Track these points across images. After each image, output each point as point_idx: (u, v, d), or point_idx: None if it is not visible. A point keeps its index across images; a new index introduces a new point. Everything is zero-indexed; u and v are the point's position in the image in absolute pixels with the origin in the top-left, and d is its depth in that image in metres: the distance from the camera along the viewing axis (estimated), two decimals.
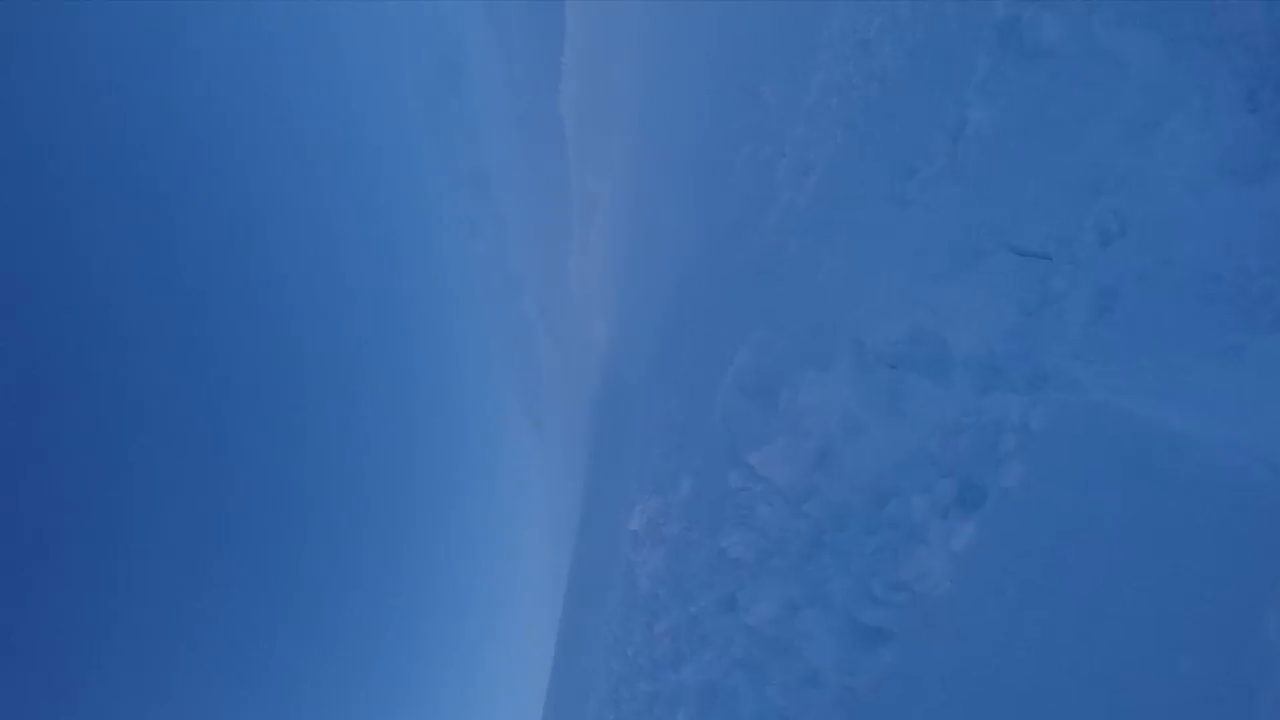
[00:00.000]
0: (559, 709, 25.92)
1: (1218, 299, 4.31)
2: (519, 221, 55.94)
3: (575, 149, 38.86)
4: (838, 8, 12.72)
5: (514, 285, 60.47)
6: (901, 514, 5.69)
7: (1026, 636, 4.12)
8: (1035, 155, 6.55)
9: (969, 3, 8.27)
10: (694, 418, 12.62)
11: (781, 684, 6.57)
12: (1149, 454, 3.80)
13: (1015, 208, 6.44)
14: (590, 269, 37.02)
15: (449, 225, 70.62)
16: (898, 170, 8.88)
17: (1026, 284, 5.77)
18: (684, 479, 11.43)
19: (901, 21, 10.27)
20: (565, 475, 46.14)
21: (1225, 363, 3.95)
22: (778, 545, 7.49)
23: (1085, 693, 3.67)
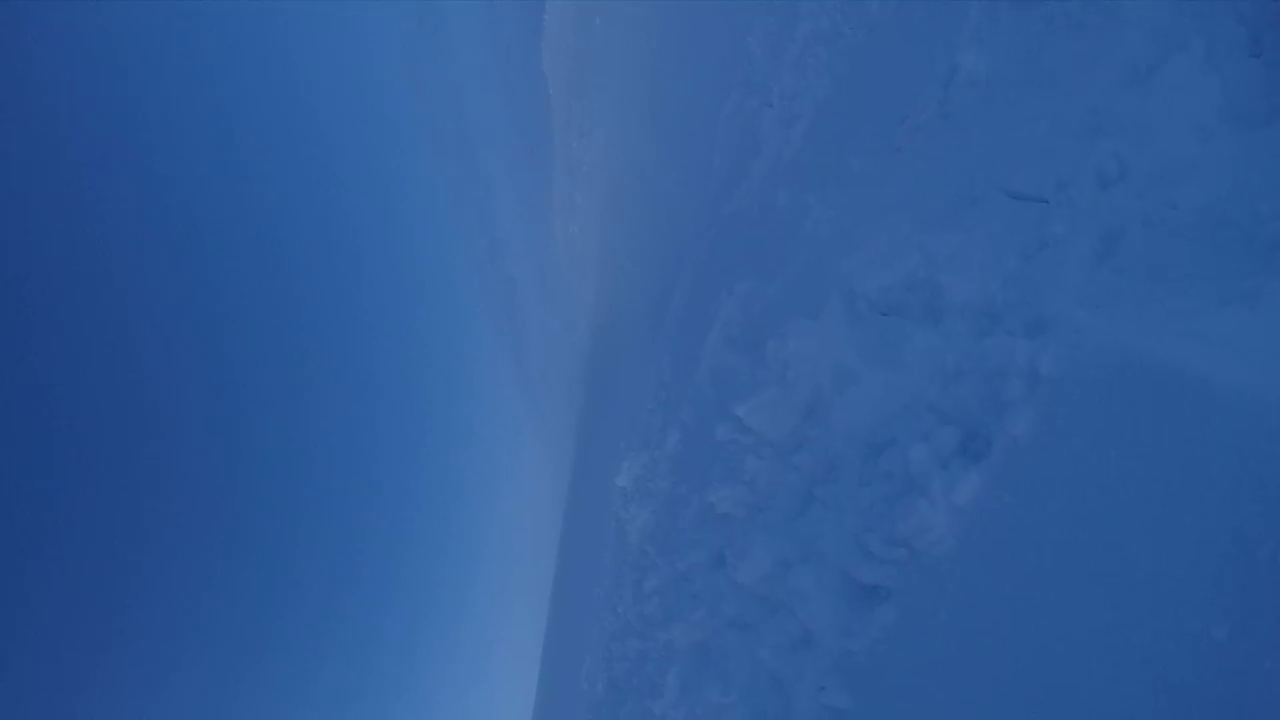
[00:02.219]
0: (554, 667, 26.05)
1: (1228, 244, 4.17)
2: (504, 184, 55.56)
3: (559, 107, 38.58)
4: None
5: (500, 248, 60.13)
6: (898, 465, 5.56)
7: (1039, 597, 3.99)
8: (1030, 101, 6.42)
9: None
10: (682, 371, 12.54)
11: (774, 645, 6.47)
12: (1173, 399, 3.65)
13: (1010, 153, 6.31)
14: (577, 228, 36.88)
15: (433, 190, 70.22)
16: (887, 118, 8.75)
17: (1024, 229, 5.64)
18: (672, 433, 11.34)
19: None
20: (556, 434, 46.22)
21: (1241, 308, 3.80)
22: (767, 499, 7.39)
23: (1107, 660, 3.53)
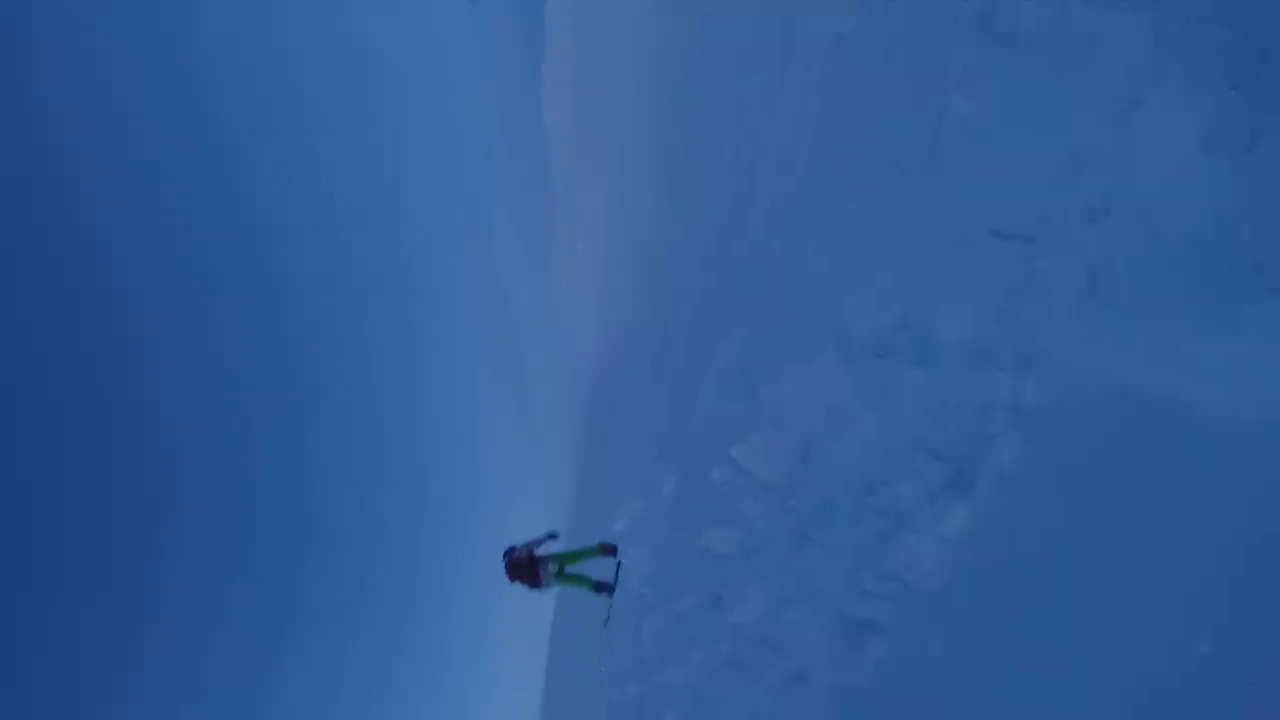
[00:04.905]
0: (553, 715, 25.87)
1: (1211, 271, 4.21)
2: (507, 234, 55.85)
3: (560, 158, 38.83)
4: (816, 6, 12.70)
5: (503, 298, 60.36)
6: (889, 502, 5.57)
7: (1026, 625, 3.98)
8: (1017, 141, 6.48)
9: None
10: (679, 418, 12.55)
11: (770, 684, 6.46)
12: (1152, 426, 3.68)
13: (998, 193, 6.36)
14: (578, 277, 37.01)
15: (436, 241, 70.59)
16: (879, 164, 8.82)
17: (1012, 267, 5.68)
18: (669, 478, 11.33)
19: (879, 17, 10.23)
20: (558, 481, 46.18)
21: (1224, 333, 3.83)
22: (763, 541, 7.39)
23: (1093, 684, 3.52)
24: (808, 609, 6.13)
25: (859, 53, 10.54)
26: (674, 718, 8.37)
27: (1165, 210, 4.66)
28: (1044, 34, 6.53)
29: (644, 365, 20.56)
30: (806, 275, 9.55)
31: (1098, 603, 3.61)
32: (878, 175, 8.77)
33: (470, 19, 48.32)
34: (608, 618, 12.98)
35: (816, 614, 6.03)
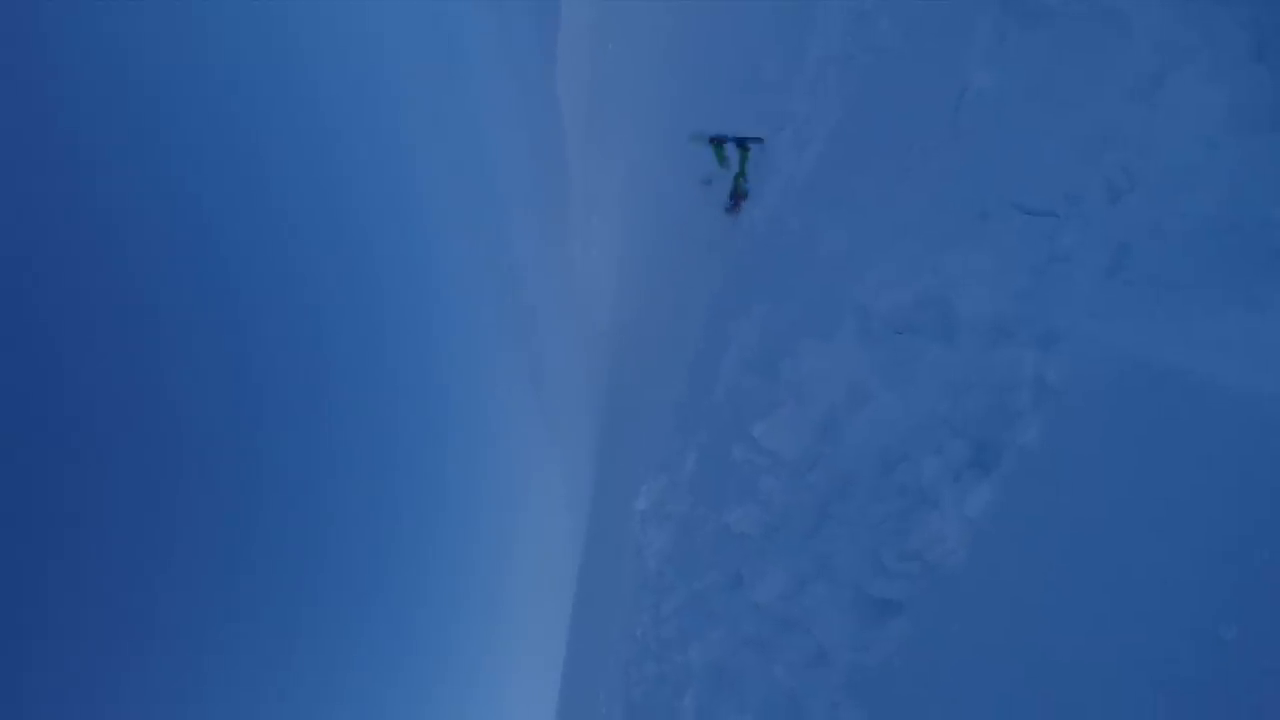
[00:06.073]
0: (573, 693, 25.95)
1: (1235, 250, 4.17)
2: (521, 210, 55.56)
3: (575, 133, 38.67)
4: None
5: (518, 275, 60.09)
6: (911, 479, 5.54)
7: (1049, 603, 3.95)
8: (1039, 117, 6.43)
9: None
10: (699, 394, 12.52)
11: (789, 663, 6.44)
12: (1179, 404, 3.63)
13: (1020, 169, 6.33)
14: (593, 255, 36.92)
15: (450, 218, 70.32)
16: (899, 139, 8.77)
17: (1034, 244, 5.65)
18: (689, 455, 11.32)
19: None
20: (575, 460, 46.19)
21: (1248, 313, 3.79)
22: (783, 518, 7.37)
23: (1116, 667, 3.50)
24: (827, 588, 6.12)
25: (879, 27, 10.47)
26: (694, 696, 8.37)
27: (1189, 188, 4.62)
28: (1068, 9, 6.48)
29: (662, 340, 20.52)
30: (825, 251, 9.51)
31: (1121, 583, 3.59)
32: (898, 151, 8.72)
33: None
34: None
35: (836, 593, 6.02)
